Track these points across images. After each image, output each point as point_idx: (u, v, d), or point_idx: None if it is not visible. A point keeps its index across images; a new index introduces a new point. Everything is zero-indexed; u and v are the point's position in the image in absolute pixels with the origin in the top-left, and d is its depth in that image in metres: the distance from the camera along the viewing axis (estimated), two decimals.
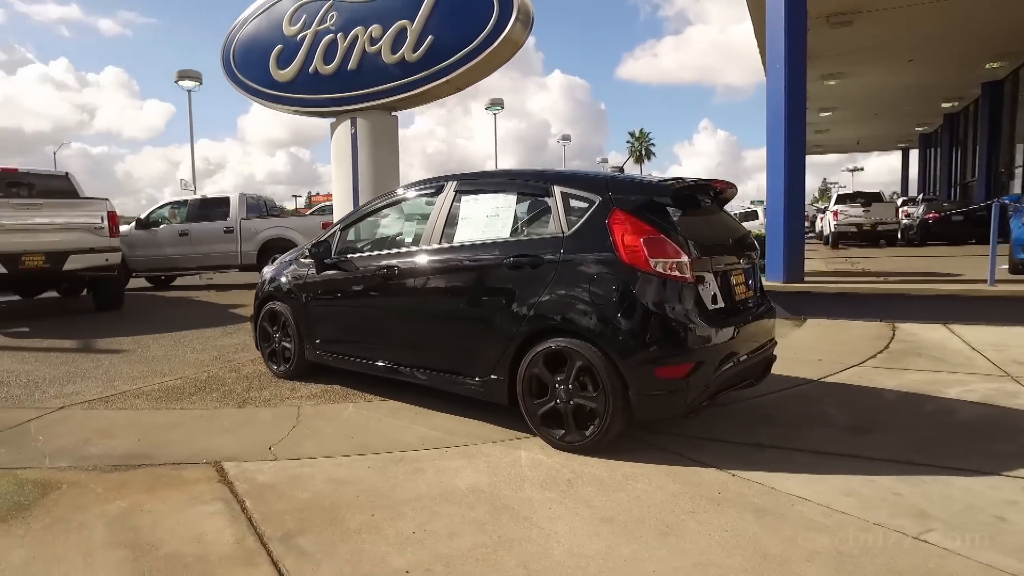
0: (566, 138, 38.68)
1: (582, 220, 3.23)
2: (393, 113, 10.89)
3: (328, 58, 10.59)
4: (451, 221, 3.78)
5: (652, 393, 2.98)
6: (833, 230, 18.49)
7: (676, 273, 3.00)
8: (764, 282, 7.84)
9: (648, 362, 2.96)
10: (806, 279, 7.97)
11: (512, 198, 3.60)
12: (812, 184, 77.88)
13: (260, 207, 12.88)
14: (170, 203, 12.28)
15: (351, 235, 4.48)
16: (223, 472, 3.01)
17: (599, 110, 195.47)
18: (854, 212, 18.10)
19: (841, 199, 19.25)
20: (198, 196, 12.83)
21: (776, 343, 3.82)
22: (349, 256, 4.29)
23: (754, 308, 3.55)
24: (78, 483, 2.89)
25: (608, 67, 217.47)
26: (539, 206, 3.47)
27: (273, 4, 11.26)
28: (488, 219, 3.63)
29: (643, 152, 71.54)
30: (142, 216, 11.99)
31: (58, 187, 8.83)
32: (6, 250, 7.23)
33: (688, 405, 3.02)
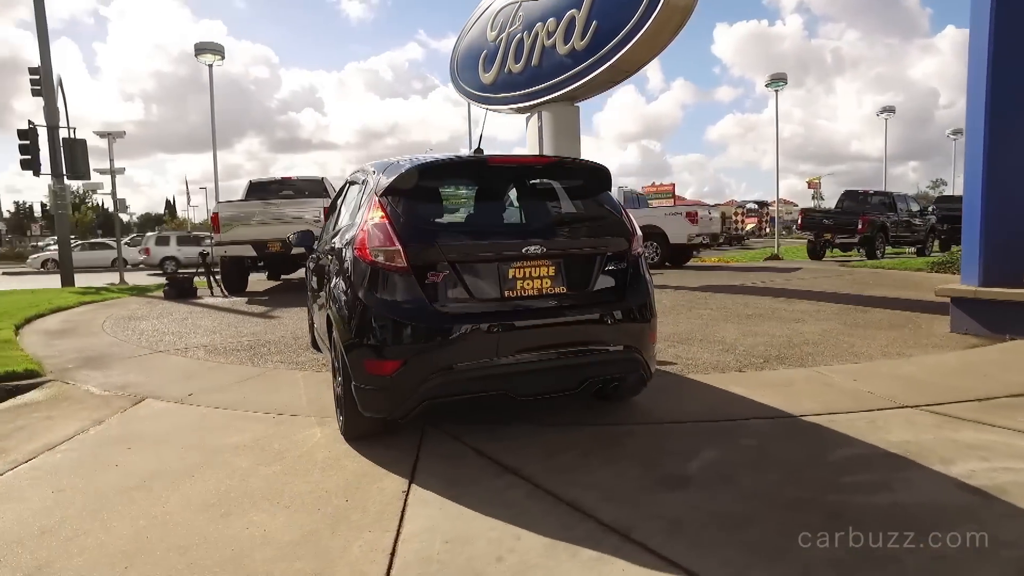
0: (888, 110, 31.51)
1: (360, 207, 3.18)
2: (575, 104, 10.95)
3: (517, 57, 11.27)
4: (343, 212, 4.04)
5: (366, 387, 2.83)
6: None
7: (393, 262, 2.77)
8: (955, 287, 5.60)
9: (360, 355, 2.83)
10: None
11: (360, 188, 3.68)
12: None
13: (633, 199, 14.36)
14: None
15: (328, 227, 5.04)
16: (137, 403, 3.97)
17: None
18: None
19: None
20: None
21: (630, 350, 3.03)
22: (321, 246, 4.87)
23: (558, 306, 2.92)
24: (68, 396, 4.20)
25: None
26: (361, 194, 3.49)
27: (481, 14, 12.45)
28: (352, 210, 3.79)
29: None
30: None
31: (315, 189, 11.56)
32: (258, 238, 9.92)
33: (397, 406, 2.77)
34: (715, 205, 20.97)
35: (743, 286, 9.76)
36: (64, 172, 14.42)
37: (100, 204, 59.91)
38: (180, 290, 10.12)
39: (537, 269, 2.91)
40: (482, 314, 2.81)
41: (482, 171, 3.14)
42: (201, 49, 16.25)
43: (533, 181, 3.23)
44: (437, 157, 3.05)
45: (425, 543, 2.14)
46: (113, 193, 16.97)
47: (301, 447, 3.12)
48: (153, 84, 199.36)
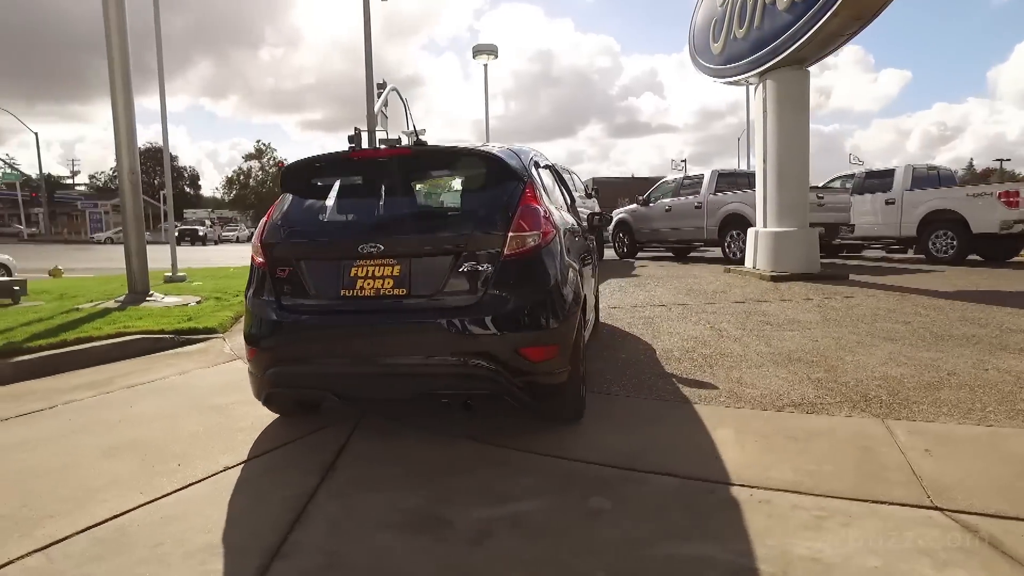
0: None
1: None
2: (804, 68, 9.13)
3: (741, 20, 9.97)
4: None
5: (248, 370, 3.07)
6: None
7: (258, 258, 2.97)
8: None
9: (244, 340, 3.07)
10: None
11: None
12: None
13: (932, 178, 12.58)
14: (839, 177, 13.78)
15: None
16: (228, 362, 4.98)
17: None
18: None
19: None
20: (864, 170, 13.62)
21: (487, 368, 2.62)
22: None
23: (394, 309, 2.69)
24: (207, 351, 5.47)
25: None
26: None
27: None
28: None
29: None
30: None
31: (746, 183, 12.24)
32: None
33: (256, 393, 2.95)
34: None
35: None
36: None
37: None
38: None
39: (380, 268, 2.74)
40: (316, 312, 2.80)
41: (347, 166, 3.05)
42: (478, 51, 18.25)
43: (401, 174, 3.01)
44: (328, 153, 3.11)
45: (126, 523, 2.28)
46: None
47: (255, 414, 3.48)
48: (511, 83, 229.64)
